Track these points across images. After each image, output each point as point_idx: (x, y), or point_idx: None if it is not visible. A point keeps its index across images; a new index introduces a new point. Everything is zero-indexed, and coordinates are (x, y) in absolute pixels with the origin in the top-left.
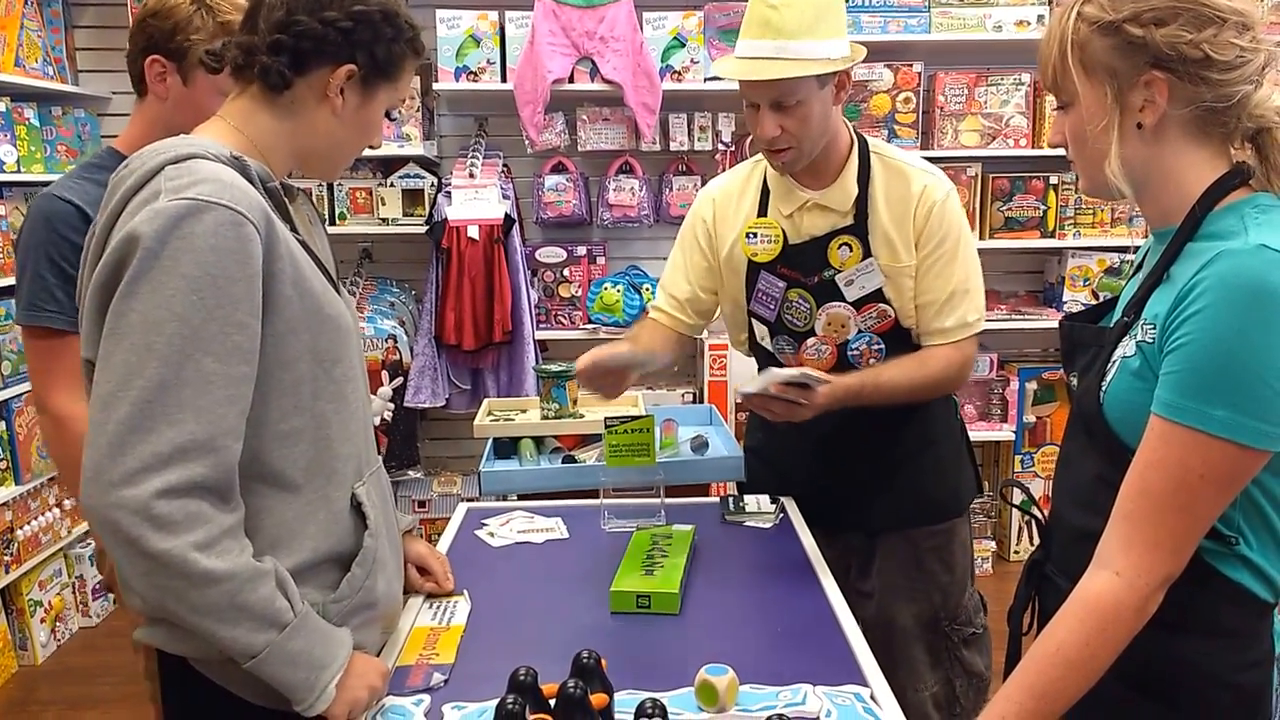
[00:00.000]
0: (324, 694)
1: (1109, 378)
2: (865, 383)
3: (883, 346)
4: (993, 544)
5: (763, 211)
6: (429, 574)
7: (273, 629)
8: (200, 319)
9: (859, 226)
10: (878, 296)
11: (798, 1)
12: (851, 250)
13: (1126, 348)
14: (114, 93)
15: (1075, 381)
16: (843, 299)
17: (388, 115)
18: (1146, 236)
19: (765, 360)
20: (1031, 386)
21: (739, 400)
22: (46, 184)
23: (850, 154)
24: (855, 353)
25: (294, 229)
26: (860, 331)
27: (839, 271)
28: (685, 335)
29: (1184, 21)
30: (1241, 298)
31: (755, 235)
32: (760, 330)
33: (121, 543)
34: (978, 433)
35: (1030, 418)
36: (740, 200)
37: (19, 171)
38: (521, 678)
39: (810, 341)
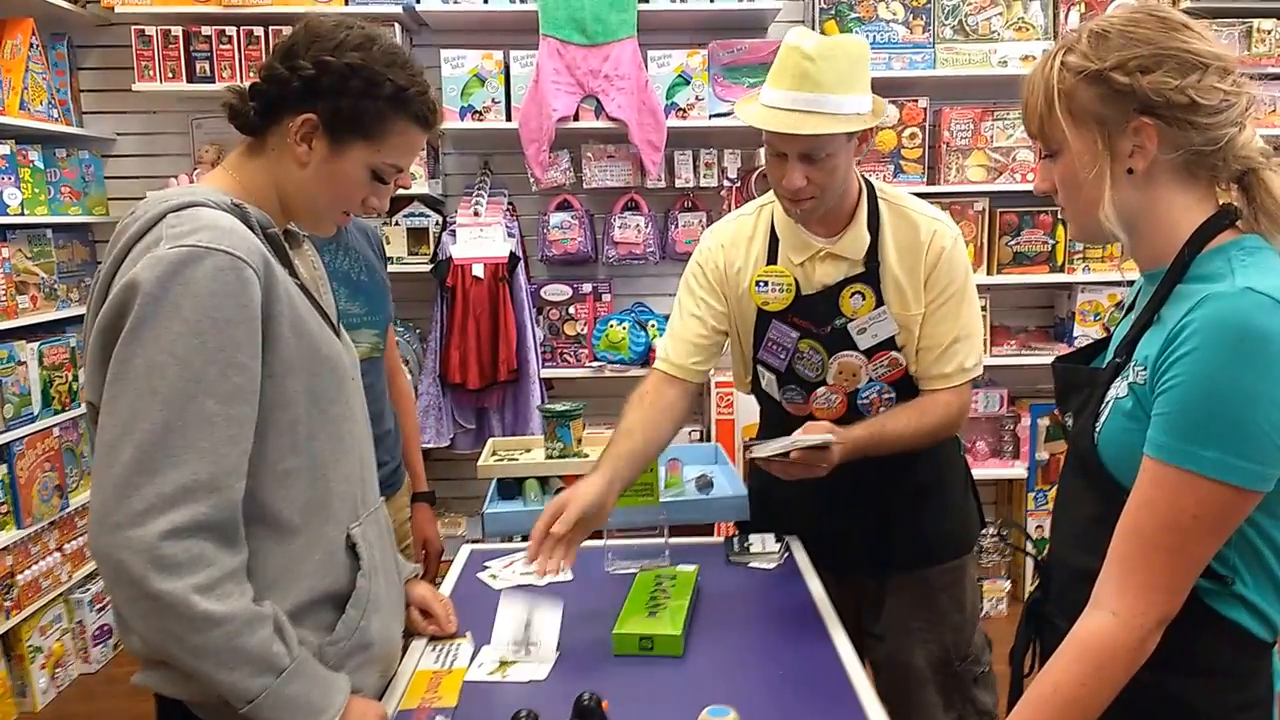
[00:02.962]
0: None
1: (1103, 418)
2: (873, 434)
3: (893, 395)
4: (1007, 584)
5: (772, 259)
6: (431, 616)
7: (269, 673)
8: (202, 362)
9: (871, 275)
10: (889, 345)
11: (835, 55)
12: (864, 299)
13: (1119, 389)
14: (118, 134)
15: (1070, 422)
16: (855, 348)
17: (380, 178)
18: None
19: (767, 404)
20: (1044, 423)
21: (753, 460)
22: (51, 226)
23: (860, 200)
24: (865, 402)
25: (294, 274)
26: (871, 380)
27: (851, 320)
28: (694, 386)
29: (1169, 69)
30: (1228, 340)
31: (766, 283)
32: (767, 377)
33: (125, 583)
34: (990, 470)
35: (1043, 455)
36: (749, 246)
37: (23, 214)
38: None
39: (820, 391)
